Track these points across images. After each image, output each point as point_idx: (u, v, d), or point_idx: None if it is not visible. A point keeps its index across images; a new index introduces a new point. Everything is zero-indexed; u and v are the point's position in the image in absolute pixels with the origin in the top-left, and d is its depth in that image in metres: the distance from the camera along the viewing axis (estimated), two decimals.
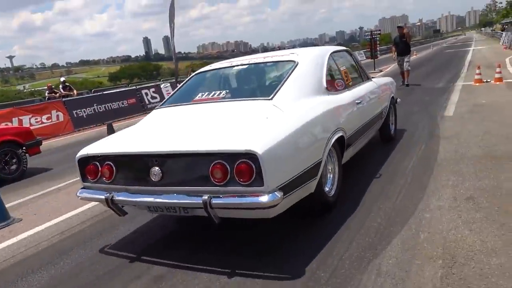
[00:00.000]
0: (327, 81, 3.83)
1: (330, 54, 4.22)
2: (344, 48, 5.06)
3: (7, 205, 5.05)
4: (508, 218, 2.98)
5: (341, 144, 3.61)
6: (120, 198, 3.01)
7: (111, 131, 5.53)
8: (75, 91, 15.63)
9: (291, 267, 2.70)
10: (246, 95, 3.72)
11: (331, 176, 3.53)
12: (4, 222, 4.27)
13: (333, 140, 3.35)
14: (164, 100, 4.14)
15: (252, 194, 2.57)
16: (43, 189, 5.69)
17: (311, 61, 3.89)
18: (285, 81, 3.51)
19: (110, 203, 3.03)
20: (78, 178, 3.30)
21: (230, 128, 2.99)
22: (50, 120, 11.94)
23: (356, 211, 3.44)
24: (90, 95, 15.26)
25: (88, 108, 13.12)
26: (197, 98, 3.77)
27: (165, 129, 3.41)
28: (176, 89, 4.30)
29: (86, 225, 4.06)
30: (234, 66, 4.22)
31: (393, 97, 5.73)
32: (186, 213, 2.93)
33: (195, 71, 4.22)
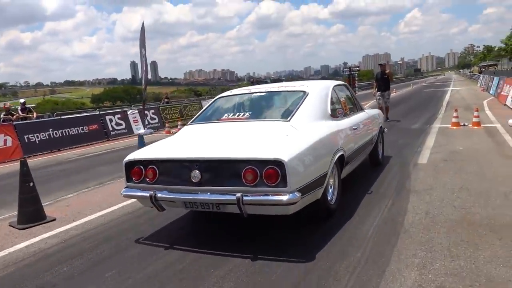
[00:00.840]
0: (331, 109, 4.49)
1: (333, 87, 4.92)
2: (343, 82, 5.78)
3: None
4: None
5: (341, 162, 4.21)
6: (162, 195, 3.56)
7: (24, 167, 4.61)
8: (34, 114, 14.60)
9: (303, 255, 3.22)
10: (266, 117, 4.39)
11: (333, 187, 4.09)
12: None
13: (336, 157, 3.99)
14: (193, 119, 4.76)
15: (276, 194, 3.18)
16: None
17: (319, 92, 4.57)
18: (299, 107, 4.20)
19: (153, 199, 3.58)
20: None
21: (258, 141, 3.63)
22: None
23: None
24: (46, 119, 14.21)
25: (42, 133, 12.10)
26: (224, 117, 4.45)
27: (202, 140, 4.01)
28: (202, 110, 4.91)
29: None
30: (253, 93, 4.95)
31: (381, 126, 6.43)
32: (218, 209, 3.46)
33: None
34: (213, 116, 4.65)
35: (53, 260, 3.66)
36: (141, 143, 6.22)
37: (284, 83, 5.42)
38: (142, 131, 15.22)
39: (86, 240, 4.11)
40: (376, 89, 12.35)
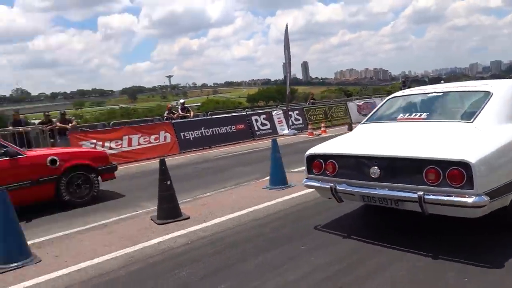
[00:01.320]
0: None
1: None
2: None
3: (47, 237, 4.78)
4: None
5: None
6: (342, 188, 3.84)
7: (162, 166, 4.93)
8: (191, 113, 16.11)
9: (488, 259, 3.13)
10: (446, 118, 4.20)
11: None
12: (18, 262, 3.84)
13: None
14: (366, 119, 4.88)
15: (461, 195, 3.14)
16: (94, 221, 5.36)
17: (506, 92, 4.19)
18: (483, 108, 3.95)
19: (334, 191, 3.88)
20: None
21: (441, 141, 3.59)
22: (157, 141, 12.26)
23: None
24: (199, 118, 15.47)
25: (195, 131, 13.21)
26: (399, 117, 4.44)
27: (380, 138, 4.11)
28: (374, 110, 4.96)
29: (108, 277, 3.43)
30: (427, 93, 4.77)
31: None
32: (396, 206, 3.58)
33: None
34: (387, 116, 4.69)
35: (176, 261, 3.76)
36: (275, 148, 6.13)
37: (460, 83, 5.17)
38: (286, 131, 15.51)
39: (212, 244, 4.15)
40: None
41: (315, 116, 17.26)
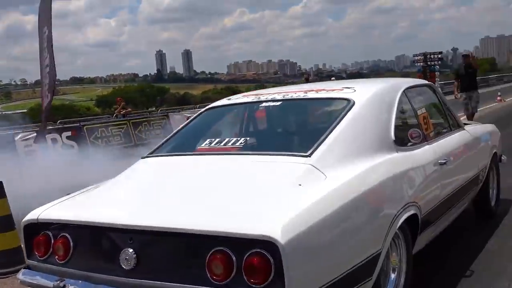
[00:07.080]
0: (397, 131, 2.75)
1: (403, 90, 3.13)
2: (425, 82, 4.05)
3: None
4: None
5: (413, 225, 2.56)
6: None
7: None
8: None
9: None
10: (274, 147, 2.76)
11: (396, 273, 2.46)
12: None
13: (400, 221, 2.35)
14: (157, 146, 3.09)
15: None
16: None
17: (374, 100, 2.87)
18: (333, 129, 2.49)
19: None
20: None
21: (244, 199, 2.11)
22: None
23: None
24: None
25: None
26: (203, 146, 2.80)
27: (150, 192, 2.49)
28: (176, 131, 3.31)
29: None
30: (261, 102, 3.21)
31: (495, 153, 4.13)
32: None
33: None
34: (188, 143, 3.07)
35: None
36: None
37: (320, 84, 3.54)
38: None
39: None
40: (458, 90, 9.69)
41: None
